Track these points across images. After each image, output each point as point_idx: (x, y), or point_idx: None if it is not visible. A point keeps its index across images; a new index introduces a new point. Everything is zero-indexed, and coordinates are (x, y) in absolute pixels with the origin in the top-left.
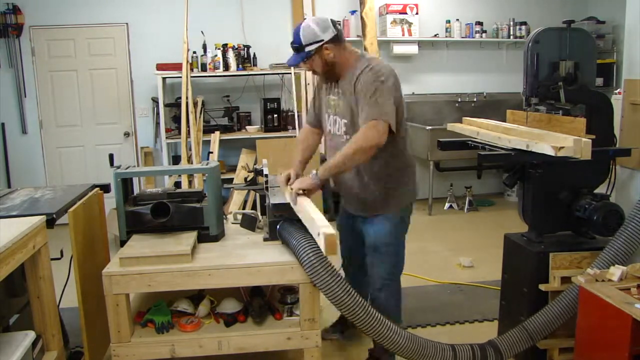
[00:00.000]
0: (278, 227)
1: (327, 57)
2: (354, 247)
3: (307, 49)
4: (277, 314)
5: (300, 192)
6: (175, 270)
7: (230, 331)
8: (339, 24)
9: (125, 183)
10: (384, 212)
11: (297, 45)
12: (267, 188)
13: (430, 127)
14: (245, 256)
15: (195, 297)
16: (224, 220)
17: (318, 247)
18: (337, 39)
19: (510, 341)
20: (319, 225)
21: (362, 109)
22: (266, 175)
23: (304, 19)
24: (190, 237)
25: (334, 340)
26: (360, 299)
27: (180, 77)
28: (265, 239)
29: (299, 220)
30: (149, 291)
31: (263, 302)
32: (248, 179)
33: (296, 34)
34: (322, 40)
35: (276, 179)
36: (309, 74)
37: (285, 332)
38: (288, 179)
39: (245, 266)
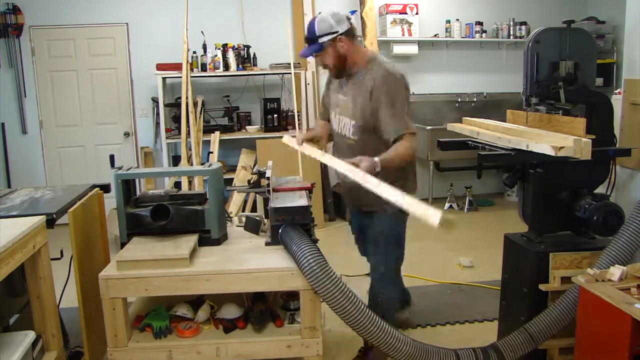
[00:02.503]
0: (280, 231)
1: (340, 50)
2: (362, 238)
3: (321, 40)
4: (279, 320)
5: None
6: (173, 274)
7: (229, 338)
8: (353, 20)
9: (127, 184)
10: (387, 206)
11: (312, 36)
12: (269, 191)
13: (430, 127)
14: (246, 261)
15: (196, 301)
16: (229, 222)
17: (319, 252)
18: (351, 34)
19: (512, 344)
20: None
21: (391, 120)
22: (268, 178)
23: (319, 13)
24: (190, 240)
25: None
26: (362, 306)
27: (180, 77)
28: (267, 243)
29: (302, 225)
30: (146, 295)
31: (264, 308)
32: (251, 181)
33: (311, 25)
34: (337, 32)
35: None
36: (309, 74)
37: (286, 340)
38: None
39: (244, 272)
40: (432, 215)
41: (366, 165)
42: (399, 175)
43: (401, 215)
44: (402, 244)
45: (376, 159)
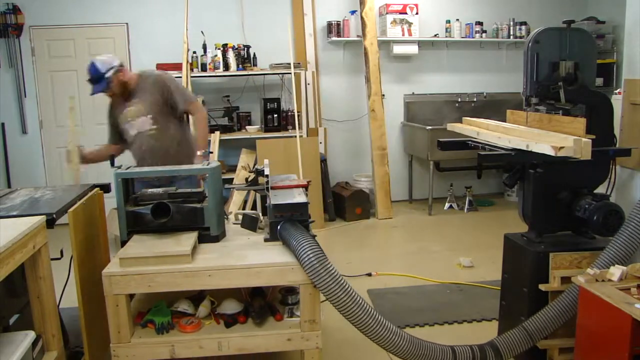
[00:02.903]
0: (279, 227)
1: (122, 78)
2: None
3: (107, 75)
4: (278, 314)
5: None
6: (175, 270)
7: (230, 332)
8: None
9: (127, 183)
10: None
11: (97, 75)
12: (268, 188)
13: (430, 127)
14: (246, 257)
15: (196, 297)
16: (225, 221)
17: (318, 247)
18: (123, 65)
19: (510, 342)
20: None
21: (178, 97)
22: (267, 176)
23: (91, 60)
24: (191, 237)
25: None
26: (361, 300)
27: (180, 77)
28: (266, 240)
29: (300, 221)
30: (149, 292)
31: (264, 303)
32: (249, 179)
33: (92, 67)
34: (115, 65)
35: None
36: (309, 74)
37: (286, 333)
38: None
39: (246, 267)
40: None
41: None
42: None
43: None
44: None
45: (198, 152)
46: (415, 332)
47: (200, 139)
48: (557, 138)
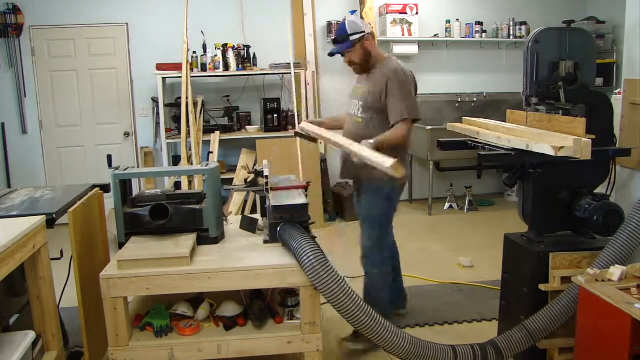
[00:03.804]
0: (279, 229)
1: (367, 47)
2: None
3: (352, 37)
4: (278, 317)
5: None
6: (174, 273)
7: (229, 335)
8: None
9: (124, 184)
10: (374, 182)
11: (343, 35)
12: (267, 190)
13: (430, 127)
14: (245, 259)
15: (195, 300)
16: (224, 222)
17: (319, 249)
18: (373, 34)
19: (511, 341)
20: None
21: (395, 105)
22: (266, 177)
23: (344, 18)
24: (189, 239)
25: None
26: (362, 302)
27: (180, 77)
28: (265, 241)
29: (300, 223)
30: (148, 294)
31: (263, 306)
32: (248, 180)
33: (342, 25)
34: (364, 32)
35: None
36: (309, 74)
37: (286, 336)
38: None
39: (245, 269)
40: (385, 161)
41: (362, 145)
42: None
43: (387, 199)
44: (387, 225)
45: (371, 140)
46: (415, 332)
47: (382, 137)
48: (557, 138)
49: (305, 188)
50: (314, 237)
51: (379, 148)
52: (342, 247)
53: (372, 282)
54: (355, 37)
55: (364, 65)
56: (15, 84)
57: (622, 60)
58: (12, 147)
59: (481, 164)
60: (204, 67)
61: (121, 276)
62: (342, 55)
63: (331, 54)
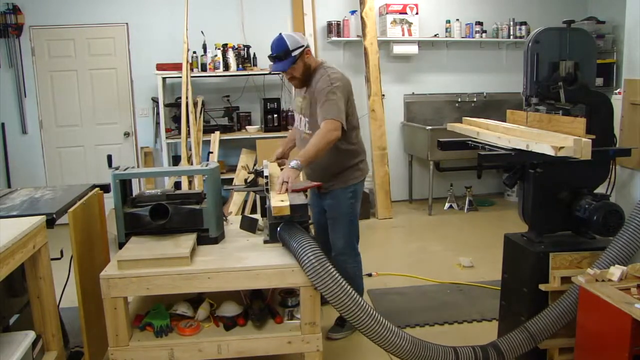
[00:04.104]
0: (279, 229)
1: (307, 61)
2: (322, 221)
3: (294, 53)
4: (278, 317)
5: (286, 181)
6: (174, 273)
7: (229, 335)
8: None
9: (124, 184)
10: (339, 186)
11: (285, 51)
12: (267, 190)
13: (430, 127)
14: (245, 259)
15: (195, 300)
16: (224, 222)
17: (319, 249)
18: (309, 46)
19: (512, 343)
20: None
21: (320, 110)
22: (266, 177)
23: (279, 33)
24: (189, 239)
25: (341, 339)
26: (362, 302)
27: (180, 77)
28: (265, 241)
29: (300, 223)
30: (148, 294)
31: (263, 306)
32: (248, 180)
33: (281, 41)
34: (303, 45)
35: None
36: None
37: (286, 336)
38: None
39: (245, 269)
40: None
41: (287, 173)
42: (350, 163)
43: (353, 197)
44: (356, 220)
45: (293, 161)
46: (415, 332)
47: (304, 151)
48: (557, 138)
49: (305, 190)
50: (313, 237)
51: (310, 161)
52: None
53: (349, 275)
54: (297, 52)
55: (304, 79)
56: (15, 84)
57: (622, 60)
58: (12, 147)
59: (481, 164)
60: (204, 67)
61: (121, 276)
62: (284, 72)
63: (276, 72)
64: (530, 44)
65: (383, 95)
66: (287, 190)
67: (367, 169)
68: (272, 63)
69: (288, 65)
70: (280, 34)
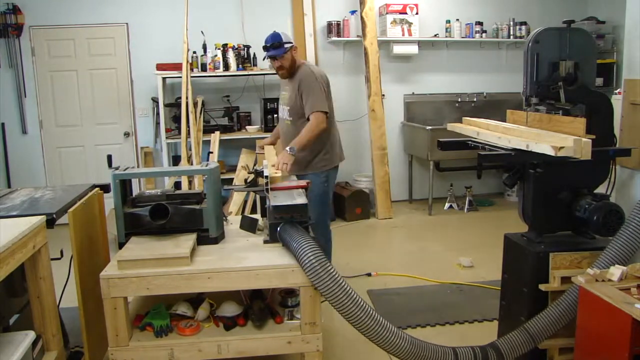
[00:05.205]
0: (278, 229)
1: (294, 56)
2: None
3: (286, 45)
4: (278, 317)
5: (286, 162)
6: (174, 273)
7: (230, 335)
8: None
9: (124, 184)
10: (313, 170)
11: (279, 42)
12: (267, 190)
13: (430, 127)
14: (245, 259)
15: (195, 300)
16: (224, 222)
17: (319, 249)
18: (296, 46)
19: (512, 343)
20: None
21: (307, 102)
22: (266, 177)
23: (273, 30)
24: (189, 239)
25: None
26: (361, 302)
27: (180, 77)
28: (265, 241)
29: (300, 223)
30: (148, 294)
31: (263, 306)
32: (248, 180)
33: (276, 35)
34: (292, 43)
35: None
36: None
37: (286, 336)
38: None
39: (245, 269)
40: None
41: (283, 157)
42: (319, 150)
43: (327, 181)
44: (328, 201)
45: (289, 147)
46: (415, 332)
47: (298, 138)
48: (557, 138)
49: (305, 188)
50: (313, 237)
51: (304, 147)
52: (342, 247)
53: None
54: (288, 45)
55: (290, 71)
56: (15, 84)
57: (622, 60)
58: (12, 147)
59: (481, 164)
60: (204, 67)
61: (121, 276)
62: (274, 60)
63: (269, 57)
64: (530, 44)
65: (383, 95)
66: (286, 169)
67: (337, 158)
68: (266, 52)
69: (280, 52)
70: (274, 30)
